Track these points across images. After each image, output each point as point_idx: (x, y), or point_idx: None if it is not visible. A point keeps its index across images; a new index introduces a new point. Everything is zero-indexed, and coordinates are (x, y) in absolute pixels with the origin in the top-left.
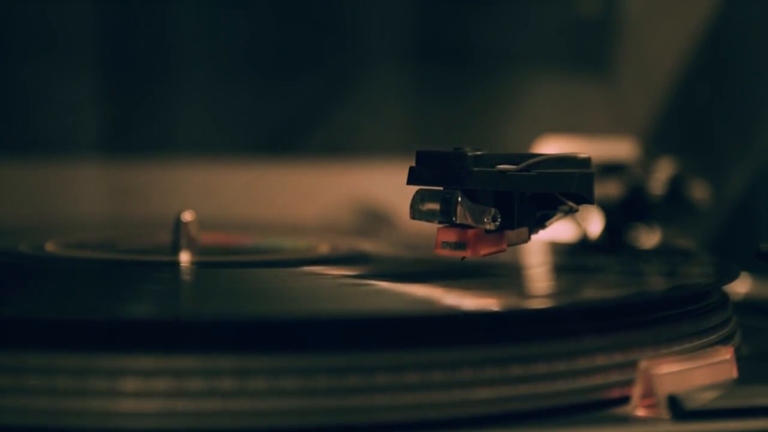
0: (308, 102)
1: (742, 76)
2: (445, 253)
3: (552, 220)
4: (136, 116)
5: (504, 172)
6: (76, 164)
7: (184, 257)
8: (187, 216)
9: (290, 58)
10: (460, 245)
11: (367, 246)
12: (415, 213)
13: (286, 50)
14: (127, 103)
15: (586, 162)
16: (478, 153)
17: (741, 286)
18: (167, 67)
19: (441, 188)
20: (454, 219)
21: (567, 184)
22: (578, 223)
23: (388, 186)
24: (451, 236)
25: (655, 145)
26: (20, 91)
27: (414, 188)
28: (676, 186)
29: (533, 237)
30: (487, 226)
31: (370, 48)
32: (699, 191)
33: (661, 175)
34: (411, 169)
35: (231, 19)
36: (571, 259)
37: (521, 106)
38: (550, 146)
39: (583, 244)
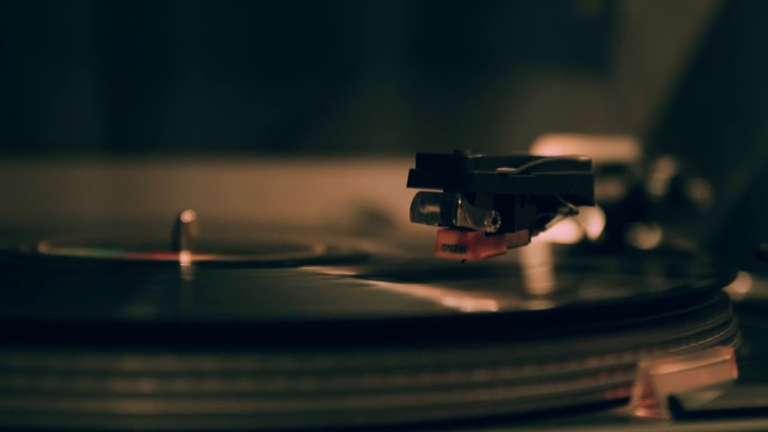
0: (308, 102)
1: (742, 76)
2: (446, 255)
3: (552, 222)
4: (136, 116)
5: (504, 174)
6: (76, 164)
7: (184, 257)
8: (187, 216)
9: (290, 58)
10: (460, 248)
11: (367, 246)
12: (416, 216)
13: (286, 50)
14: (127, 102)
15: (586, 164)
16: (478, 156)
17: (741, 287)
18: (167, 66)
19: (441, 191)
20: (454, 222)
21: (567, 186)
22: (578, 223)
23: (388, 186)
24: (451, 239)
25: (655, 145)
26: (20, 91)
27: (414, 191)
28: (676, 186)
29: (533, 239)
30: (488, 229)
31: (369, 48)
32: (699, 191)
33: (661, 175)
34: (411, 171)
35: (231, 19)
36: (571, 259)
37: (521, 106)
38: (550, 146)
39: (583, 244)
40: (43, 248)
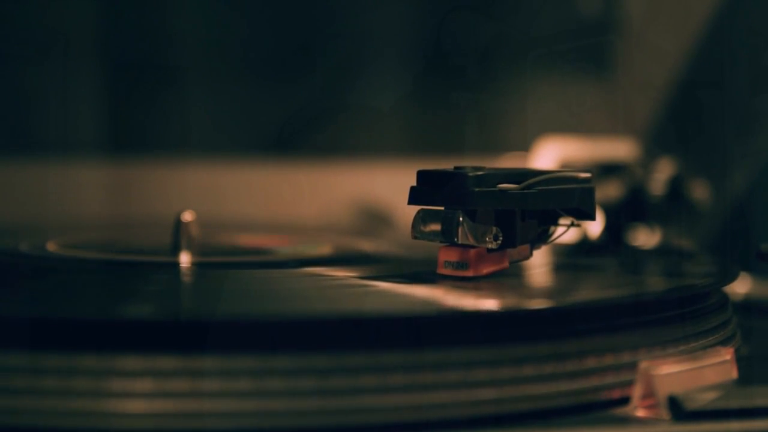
0: (308, 102)
1: (741, 76)
2: (447, 272)
3: (554, 235)
4: (137, 116)
5: (505, 191)
6: (76, 164)
7: (184, 257)
8: (187, 216)
9: (291, 58)
10: (462, 264)
11: (367, 246)
12: (417, 233)
13: (287, 50)
14: (128, 103)
15: (586, 180)
16: (479, 173)
17: (741, 287)
18: (167, 66)
19: (442, 208)
20: (455, 239)
21: (568, 200)
22: (578, 224)
23: (388, 186)
24: (452, 256)
25: (655, 145)
26: (20, 91)
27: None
28: (676, 186)
29: (535, 252)
30: (489, 246)
31: (370, 48)
32: (699, 191)
33: (661, 175)
34: (412, 189)
35: (231, 20)
36: (571, 259)
37: (521, 106)
38: (551, 146)
39: (584, 244)
40: (43, 248)
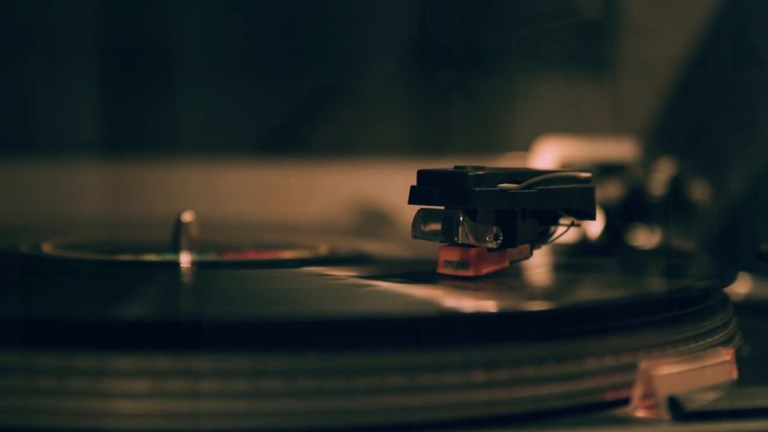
0: (308, 102)
1: (742, 76)
2: (448, 272)
3: (554, 235)
4: (136, 116)
5: (505, 190)
6: (76, 164)
7: (184, 257)
8: (187, 216)
9: (290, 58)
10: (462, 264)
11: (367, 246)
12: (417, 232)
13: (286, 50)
14: (127, 102)
15: (587, 179)
16: (480, 173)
17: (741, 287)
18: (167, 66)
19: (442, 208)
20: (456, 239)
21: (568, 200)
22: (579, 224)
23: (388, 186)
24: (453, 255)
25: (655, 145)
26: (20, 91)
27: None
28: (676, 186)
29: (535, 252)
30: (489, 245)
31: (370, 47)
32: (699, 191)
33: (661, 175)
34: (412, 188)
35: (231, 19)
36: (571, 259)
37: (521, 106)
38: (550, 147)
39: (583, 244)
40: (43, 249)
